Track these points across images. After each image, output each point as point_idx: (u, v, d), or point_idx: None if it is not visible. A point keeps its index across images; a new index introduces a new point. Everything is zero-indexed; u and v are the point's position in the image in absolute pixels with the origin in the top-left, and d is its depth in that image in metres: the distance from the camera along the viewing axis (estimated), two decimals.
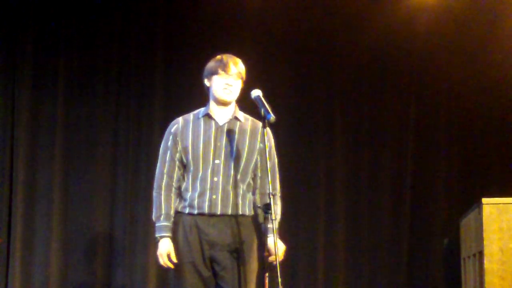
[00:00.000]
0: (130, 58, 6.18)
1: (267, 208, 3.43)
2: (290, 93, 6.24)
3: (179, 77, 6.17)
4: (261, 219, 3.65)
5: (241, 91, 3.76)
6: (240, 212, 3.65)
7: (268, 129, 3.67)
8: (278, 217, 3.71)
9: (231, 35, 6.18)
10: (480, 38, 6.19)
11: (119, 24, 6.18)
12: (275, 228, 3.44)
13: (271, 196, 3.44)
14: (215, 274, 3.62)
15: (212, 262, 3.62)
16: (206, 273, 3.61)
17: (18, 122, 5.99)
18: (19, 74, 6.04)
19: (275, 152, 3.80)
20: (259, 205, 3.62)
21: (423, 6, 6.14)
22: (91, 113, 6.09)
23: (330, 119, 6.29)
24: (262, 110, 3.51)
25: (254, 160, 3.71)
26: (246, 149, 3.69)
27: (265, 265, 3.57)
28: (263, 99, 3.57)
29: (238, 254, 3.59)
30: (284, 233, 5.75)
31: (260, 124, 3.71)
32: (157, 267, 5.86)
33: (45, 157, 6.00)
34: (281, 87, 6.16)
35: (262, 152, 3.70)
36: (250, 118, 3.80)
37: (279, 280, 3.32)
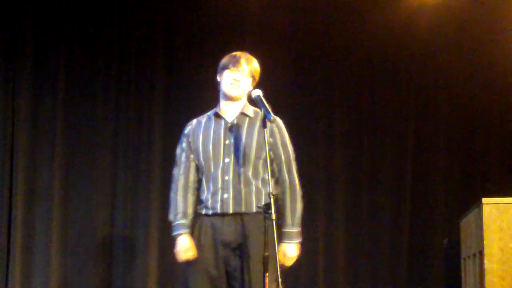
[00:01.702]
0: (130, 58, 6.18)
1: (267, 208, 3.43)
2: (290, 93, 6.24)
3: (180, 77, 6.17)
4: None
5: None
6: (254, 210, 3.61)
7: (279, 122, 3.69)
8: (297, 217, 3.70)
9: (231, 35, 6.18)
10: (480, 38, 6.19)
11: (120, 24, 6.18)
12: (275, 227, 3.43)
13: (271, 196, 3.43)
14: (228, 274, 3.62)
15: (225, 262, 3.61)
16: (216, 273, 3.60)
17: (18, 122, 5.98)
18: (19, 74, 6.04)
19: (288, 144, 3.76)
20: (262, 204, 3.57)
21: (423, 6, 6.15)
22: (91, 113, 6.09)
23: (330, 119, 6.29)
24: (263, 110, 3.51)
25: (264, 155, 3.62)
26: (255, 145, 3.66)
27: (265, 265, 3.56)
28: (263, 99, 3.57)
29: (249, 253, 3.57)
30: None
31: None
32: (157, 268, 5.87)
33: (45, 158, 5.99)
34: (282, 87, 6.16)
35: (273, 146, 3.70)
36: (260, 112, 3.69)
37: (279, 280, 3.33)
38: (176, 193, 3.71)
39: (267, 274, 3.47)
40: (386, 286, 6.08)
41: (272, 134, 3.70)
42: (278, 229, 3.57)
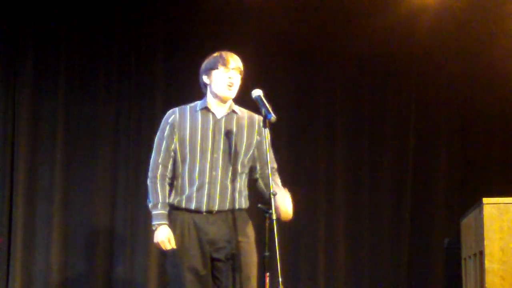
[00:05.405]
0: (130, 57, 6.17)
1: (267, 208, 3.43)
2: (290, 93, 6.24)
3: (180, 76, 6.16)
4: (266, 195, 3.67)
5: (240, 89, 3.78)
6: (237, 207, 3.68)
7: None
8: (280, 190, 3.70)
9: (232, 34, 6.17)
10: (480, 38, 6.19)
11: (120, 24, 6.18)
12: (275, 221, 3.44)
13: (272, 196, 3.44)
14: (213, 272, 3.65)
15: (212, 261, 3.64)
16: (204, 271, 3.63)
17: (18, 122, 5.98)
18: (20, 74, 6.03)
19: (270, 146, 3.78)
20: (259, 205, 3.62)
21: (423, 6, 6.14)
22: (91, 113, 6.09)
23: (331, 119, 6.28)
24: (263, 110, 3.52)
25: (251, 153, 3.73)
26: (244, 142, 3.71)
27: (265, 265, 3.57)
28: (264, 98, 3.58)
29: (238, 250, 3.60)
30: (284, 233, 5.81)
31: (256, 116, 3.76)
32: (157, 265, 5.87)
33: (45, 157, 5.99)
34: (282, 87, 6.16)
35: (260, 144, 3.73)
36: (245, 111, 3.82)
37: (280, 280, 3.33)
38: (155, 182, 3.70)
39: (267, 274, 3.48)
40: (386, 286, 6.07)
41: (260, 133, 3.75)
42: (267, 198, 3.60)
